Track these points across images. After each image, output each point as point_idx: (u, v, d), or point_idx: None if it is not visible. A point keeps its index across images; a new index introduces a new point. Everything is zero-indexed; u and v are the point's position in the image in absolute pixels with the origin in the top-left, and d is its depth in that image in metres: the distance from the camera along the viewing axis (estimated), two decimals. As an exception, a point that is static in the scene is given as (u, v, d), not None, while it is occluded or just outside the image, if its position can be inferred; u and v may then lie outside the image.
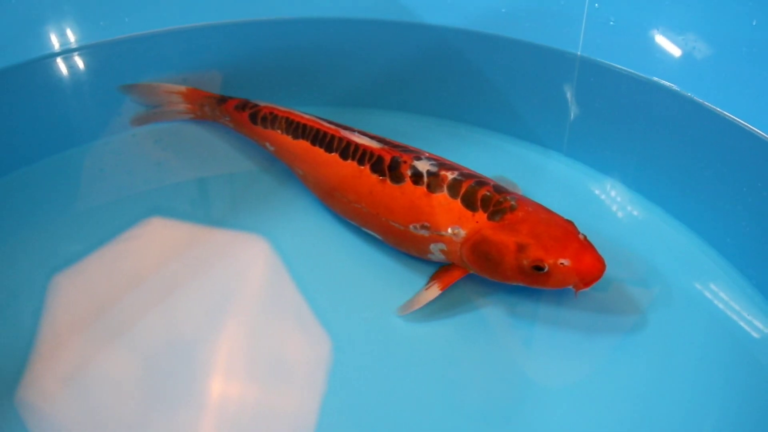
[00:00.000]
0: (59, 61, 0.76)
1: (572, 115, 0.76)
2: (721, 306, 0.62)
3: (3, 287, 0.62)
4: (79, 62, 0.77)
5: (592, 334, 0.59)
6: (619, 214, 0.72)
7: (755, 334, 0.60)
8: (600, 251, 0.56)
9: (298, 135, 0.69)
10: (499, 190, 0.60)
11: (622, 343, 0.59)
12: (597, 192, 0.74)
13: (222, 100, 0.76)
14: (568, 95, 0.75)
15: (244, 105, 0.74)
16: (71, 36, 0.76)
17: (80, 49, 0.76)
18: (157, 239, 0.68)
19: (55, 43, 0.76)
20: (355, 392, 0.56)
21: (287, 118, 0.70)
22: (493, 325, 0.60)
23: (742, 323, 0.60)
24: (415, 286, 0.62)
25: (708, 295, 0.63)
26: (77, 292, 0.63)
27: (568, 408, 0.54)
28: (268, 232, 0.69)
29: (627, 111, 0.72)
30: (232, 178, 0.77)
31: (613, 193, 0.74)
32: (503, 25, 0.74)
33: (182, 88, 0.78)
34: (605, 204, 0.73)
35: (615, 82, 0.71)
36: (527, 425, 0.53)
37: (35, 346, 0.58)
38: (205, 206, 0.74)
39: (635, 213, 0.72)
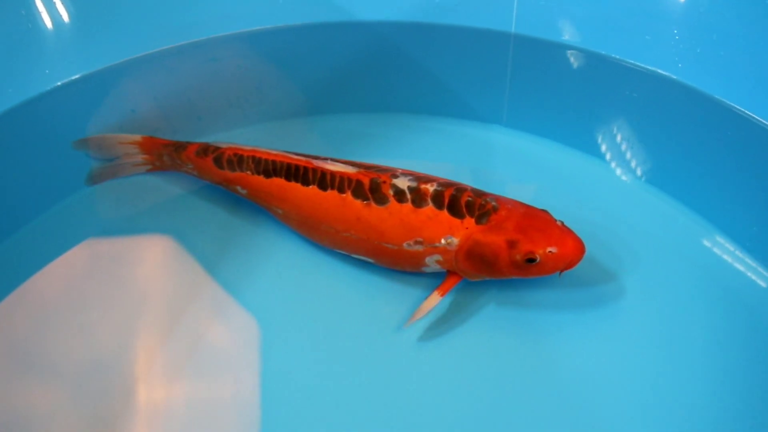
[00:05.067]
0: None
1: (510, 88, 0.80)
2: (678, 242, 0.70)
3: None
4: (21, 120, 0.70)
5: (578, 308, 0.66)
6: (559, 167, 0.79)
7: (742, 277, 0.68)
8: (566, 221, 0.63)
9: (270, 173, 0.68)
10: (477, 193, 0.64)
11: (607, 313, 0.66)
12: (541, 154, 0.81)
13: (181, 147, 0.74)
14: (505, 70, 0.79)
15: (205, 149, 0.72)
16: (9, 92, 0.69)
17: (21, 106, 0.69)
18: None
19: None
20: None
21: (254, 157, 0.69)
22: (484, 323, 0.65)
23: (714, 262, 0.69)
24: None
25: (659, 232, 0.72)
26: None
27: (595, 374, 0.61)
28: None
29: (561, 78, 0.77)
30: (201, 227, 0.74)
31: (553, 152, 0.81)
32: (437, 13, 0.76)
33: (137, 137, 0.75)
34: (549, 164, 0.80)
35: (547, 54, 0.75)
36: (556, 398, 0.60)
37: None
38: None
39: (570, 165, 0.79)
